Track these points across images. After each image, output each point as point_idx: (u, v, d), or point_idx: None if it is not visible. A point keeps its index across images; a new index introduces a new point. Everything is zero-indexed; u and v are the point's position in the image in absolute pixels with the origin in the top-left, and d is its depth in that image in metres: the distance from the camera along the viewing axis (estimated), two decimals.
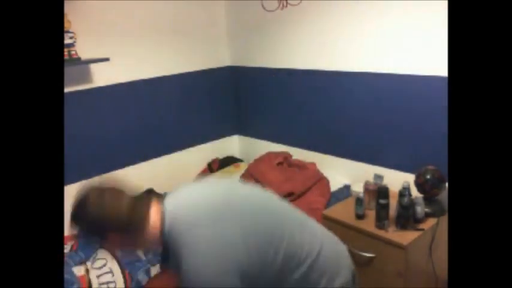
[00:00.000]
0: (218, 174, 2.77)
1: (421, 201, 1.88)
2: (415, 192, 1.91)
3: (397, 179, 2.00)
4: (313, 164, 2.49)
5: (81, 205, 1.05)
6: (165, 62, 2.60)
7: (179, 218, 1.08)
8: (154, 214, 1.10)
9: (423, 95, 2.02)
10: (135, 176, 2.52)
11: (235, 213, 1.11)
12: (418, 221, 1.87)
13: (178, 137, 2.72)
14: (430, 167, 1.91)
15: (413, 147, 2.11)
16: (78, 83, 2.26)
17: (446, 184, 1.90)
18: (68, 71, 2.10)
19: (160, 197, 1.15)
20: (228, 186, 1.29)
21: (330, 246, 1.26)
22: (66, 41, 2.00)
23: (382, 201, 1.85)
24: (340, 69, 2.34)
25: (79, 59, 2.09)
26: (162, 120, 2.65)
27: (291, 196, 2.22)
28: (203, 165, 2.86)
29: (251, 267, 1.05)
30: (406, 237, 1.79)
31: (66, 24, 1.99)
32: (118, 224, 1.05)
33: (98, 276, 1.89)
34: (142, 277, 1.96)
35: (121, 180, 1.12)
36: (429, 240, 1.86)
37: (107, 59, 2.21)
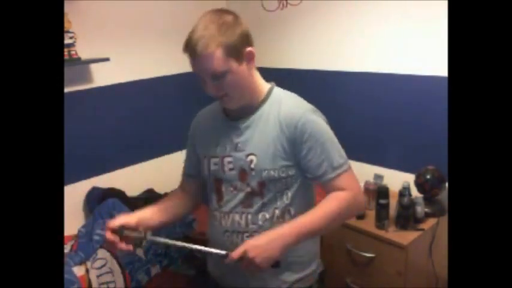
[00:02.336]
0: None
1: (421, 201, 1.88)
2: (415, 192, 1.91)
3: (397, 179, 2.00)
4: None
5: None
6: (165, 62, 2.59)
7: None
8: (263, 82, 1.25)
9: (423, 95, 2.02)
10: (135, 176, 2.52)
11: None
12: (418, 221, 1.87)
13: (178, 137, 2.69)
14: (430, 167, 1.91)
15: (413, 147, 2.11)
16: (78, 83, 2.26)
17: (446, 184, 1.90)
18: (68, 71, 2.10)
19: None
20: None
21: None
22: (66, 41, 2.00)
23: (382, 201, 1.85)
24: (340, 69, 2.34)
25: (79, 59, 2.09)
26: (162, 120, 2.64)
27: None
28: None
29: None
30: (406, 237, 1.79)
31: (66, 24, 1.99)
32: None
33: (98, 276, 1.89)
34: (142, 277, 1.96)
35: None
36: (429, 240, 1.86)
37: (107, 59, 2.21)
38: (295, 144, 1.15)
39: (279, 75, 2.64)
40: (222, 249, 1.13)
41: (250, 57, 1.15)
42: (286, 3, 2.48)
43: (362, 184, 2.09)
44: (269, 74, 3.01)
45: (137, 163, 2.57)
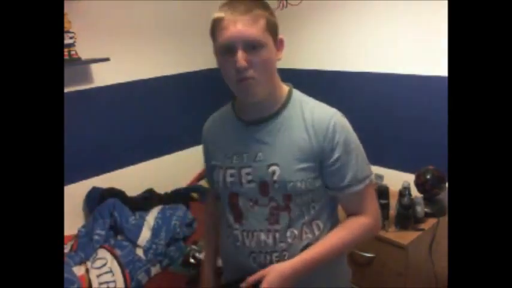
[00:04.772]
0: None
1: (421, 201, 1.88)
2: (415, 192, 1.91)
3: (397, 179, 2.00)
4: None
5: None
6: (165, 62, 2.60)
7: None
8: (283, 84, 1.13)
9: (423, 95, 2.02)
10: (135, 176, 2.53)
11: None
12: (418, 221, 1.87)
13: (178, 137, 2.72)
14: (430, 167, 1.91)
15: (414, 147, 2.11)
16: (78, 83, 2.26)
17: (446, 184, 1.90)
18: (68, 71, 2.10)
19: None
20: None
21: None
22: (66, 41, 2.00)
23: (382, 201, 1.85)
24: (340, 69, 2.34)
25: (79, 59, 2.09)
26: (162, 120, 2.64)
27: None
28: (203, 165, 2.87)
29: None
30: (406, 237, 1.79)
31: (66, 24, 1.99)
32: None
33: (98, 276, 1.89)
34: (142, 277, 1.96)
35: None
36: (429, 240, 1.87)
37: (107, 59, 2.21)
38: (323, 151, 1.04)
39: (279, 75, 2.66)
40: (248, 272, 1.05)
41: (281, 46, 1.05)
42: (286, 3, 2.48)
43: None
44: None
45: (137, 163, 2.57)
